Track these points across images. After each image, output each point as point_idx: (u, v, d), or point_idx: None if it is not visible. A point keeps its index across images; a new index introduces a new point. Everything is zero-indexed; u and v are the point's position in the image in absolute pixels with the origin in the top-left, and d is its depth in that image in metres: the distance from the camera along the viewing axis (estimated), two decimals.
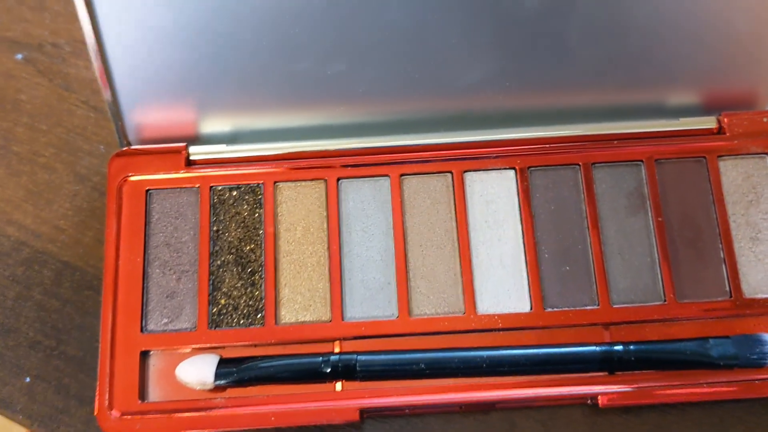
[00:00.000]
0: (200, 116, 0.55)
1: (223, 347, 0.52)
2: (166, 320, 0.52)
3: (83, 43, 0.50)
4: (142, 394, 0.51)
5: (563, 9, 0.51)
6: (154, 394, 0.51)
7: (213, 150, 0.55)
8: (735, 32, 0.53)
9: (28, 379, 0.53)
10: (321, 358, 0.50)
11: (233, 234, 0.53)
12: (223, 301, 0.52)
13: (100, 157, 0.59)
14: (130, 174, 0.54)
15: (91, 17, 0.50)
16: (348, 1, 0.50)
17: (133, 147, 0.55)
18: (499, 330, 0.51)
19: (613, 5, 0.51)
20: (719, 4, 0.52)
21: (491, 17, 0.52)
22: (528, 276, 0.52)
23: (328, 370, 0.49)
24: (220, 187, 0.54)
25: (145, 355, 0.51)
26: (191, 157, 0.55)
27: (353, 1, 0.50)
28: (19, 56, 0.62)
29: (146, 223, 0.54)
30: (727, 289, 0.52)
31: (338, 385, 0.50)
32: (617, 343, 0.50)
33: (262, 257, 0.53)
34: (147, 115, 0.55)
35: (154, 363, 0.52)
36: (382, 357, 0.50)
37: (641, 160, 0.55)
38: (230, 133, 0.56)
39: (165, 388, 0.51)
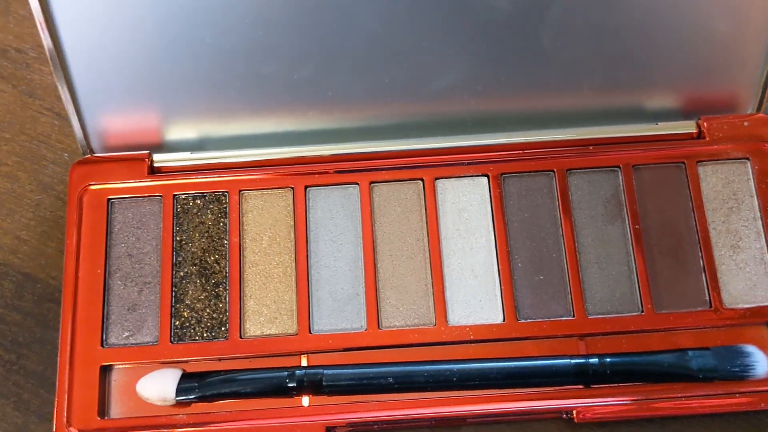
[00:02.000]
0: (165, 123, 0.54)
1: (187, 361, 0.50)
2: (127, 333, 0.50)
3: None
4: (103, 410, 0.49)
5: (537, 11, 0.50)
6: (116, 410, 0.50)
7: (177, 158, 0.54)
8: (714, 34, 0.52)
9: None
10: (286, 373, 0.48)
11: (197, 244, 0.52)
12: (186, 314, 0.50)
13: (64, 165, 0.57)
14: (91, 182, 0.53)
15: (48, 23, 0.48)
16: (316, 4, 0.49)
17: (95, 155, 0.54)
18: (471, 342, 0.50)
19: (589, 7, 0.50)
20: (698, 6, 0.50)
21: (463, 20, 0.50)
22: (501, 286, 0.51)
23: (294, 385, 0.48)
24: (183, 196, 0.53)
25: (106, 369, 0.50)
26: (155, 165, 0.54)
27: (321, 5, 0.49)
28: None
29: (108, 234, 0.52)
30: (707, 298, 0.51)
31: (305, 400, 0.49)
32: (593, 356, 0.49)
33: (227, 268, 0.51)
34: (110, 122, 0.53)
35: (116, 378, 0.50)
36: (349, 371, 0.49)
37: (618, 166, 0.53)
38: (196, 140, 0.54)
39: (127, 404, 0.50)
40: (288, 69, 0.52)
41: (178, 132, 0.54)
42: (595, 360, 0.48)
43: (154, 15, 0.49)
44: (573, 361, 0.48)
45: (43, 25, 0.48)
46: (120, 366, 0.50)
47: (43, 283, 0.54)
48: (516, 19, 0.50)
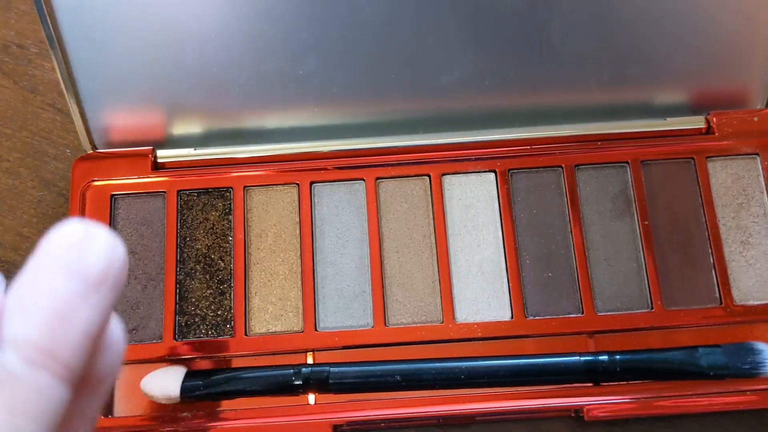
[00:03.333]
0: (169, 118, 0.53)
1: (191, 359, 0.49)
2: (131, 331, 0.50)
3: None
4: (107, 408, 0.48)
5: (545, 6, 0.49)
6: (121, 408, 0.49)
7: (181, 153, 0.53)
8: (724, 29, 0.51)
9: None
10: (292, 370, 0.48)
11: (201, 241, 0.51)
12: (190, 312, 0.50)
13: (67, 161, 0.56)
14: (94, 179, 0.52)
15: (51, 18, 0.48)
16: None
17: (98, 150, 0.53)
18: (478, 339, 0.49)
19: (597, 2, 0.50)
20: (707, 0, 0.50)
21: (470, 14, 0.50)
22: (509, 283, 0.50)
23: (300, 383, 0.47)
24: (188, 192, 0.52)
25: None
26: (159, 161, 0.53)
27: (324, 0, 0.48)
28: None
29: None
30: (717, 295, 0.50)
31: (311, 398, 0.48)
32: (602, 353, 0.48)
33: (232, 265, 0.51)
34: (113, 117, 0.53)
35: (120, 376, 0.49)
36: (356, 368, 0.48)
37: (627, 162, 0.53)
38: (201, 135, 0.54)
39: (132, 402, 0.49)
40: (292, 64, 0.51)
41: (182, 127, 0.53)
42: (604, 357, 0.48)
43: (158, 9, 0.49)
44: (582, 358, 0.48)
45: (45, 20, 0.48)
46: (124, 364, 0.49)
47: None
48: (524, 14, 0.50)
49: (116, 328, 0.26)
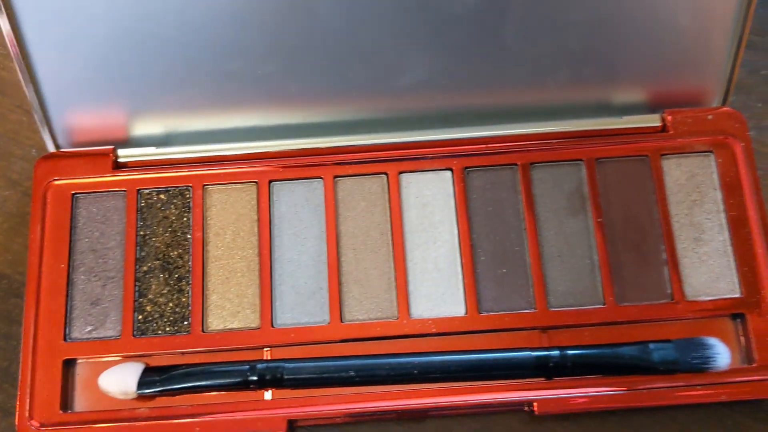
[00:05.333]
0: (130, 118, 0.54)
1: (150, 355, 0.50)
2: (90, 328, 0.50)
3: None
4: (66, 404, 0.49)
5: (500, 7, 0.50)
6: (80, 404, 0.50)
7: (142, 153, 0.54)
8: (678, 29, 0.52)
9: None
10: (248, 366, 0.48)
11: (161, 239, 0.52)
12: (149, 308, 0.50)
13: (33, 161, 0.57)
14: (55, 177, 0.53)
15: (10, 19, 0.49)
16: (279, 1, 0.49)
17: (60, 150, 0.54)
18: (433, 335, 0.50)
19: (551, 3, 0.50)
20: (661, 1, 0.50)
21: (426, 16, 0.50)
22: (463, 279, 0.51)
23: (255, 378, 0.48)
24: (147, 191, 0.53)
25: (69, 363, 0.50)
26: (120, 160, 0.54)
27: (284, 1, 0.49)
28: None
29: (72, 228, 0.52)
30: (669, 291, 0.51)
31: (268, 394, 0.49)
32: (554, 348, 0.49)
33: (190, 263, 0.51)
34: (76, 118, 0.53)
35: (80, 372, 0.50)
36: (310, 364, 0.49)
37: (581, 160, 0.53)
38: (162, 135, 0.54)
39: (90, 398, 0.50)
40: (252, 65, 0.52)
41: (144, 127, 0.54)
42: (556, 352, 0.48)
43: (119, 11, 0.49)
44: (534, 353, 0.48)
45: (6, 22, 0.49)
46: (83, 360, 0.50)
47: (9, 278, 0.54)
48: (478, 15, 0.50)
49: None
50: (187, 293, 0.51)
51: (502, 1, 0.50)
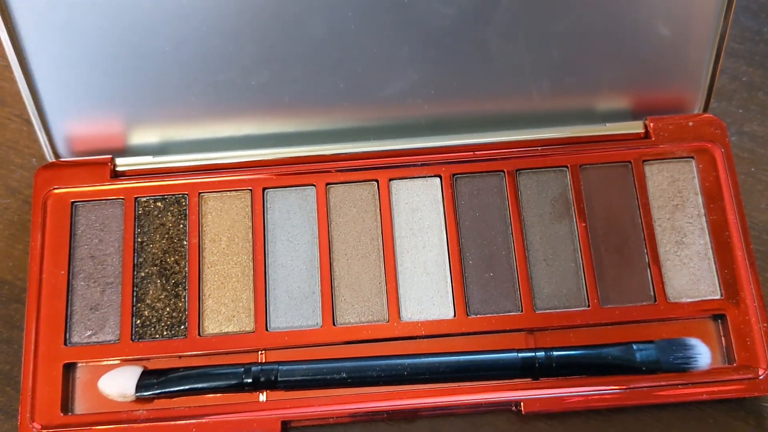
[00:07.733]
0: (128, 128, 0.55)
1: (148, 359, 0.51)
2: (89, 332, 0.52)
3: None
4: (66, 406, 0.51)
5: (483, 17, 0.51)
6: (80, 406, 0.51)
7: (139, 161, 0.55)
8: (659, 38, 0.53)
9: None
10: (242, 369, 0.50)
11: (157, 245, 0.53)
12: (146, 313, 0.52)
13: (32, 170, 0.59)
14: (55, 186, 0.54)
15: (10, 31, 0.50)
16: (269, 14, 0.51)
17: (60, 159, 0.55)
18: (423, 337, 0.51)
19: (534, 14, 0.52)
20: (642, 10, 0.52)
21: (412, 26, 0.52)
22: (452, 283, 0.52)
23: (250, 381, 0.49)
24: (144, 199, 0.54)
25: (70, 367, 0.51)
26: (118, 169, 0.55)
27: (274, 14, 0.51)
28: None
29: (71, 236, 0.54)
30: (652, 293, 0.52)
31: (262, 396, 0.50)
32: (539, 349, 0.50)
33: (186, 268, 0.53)
34: (75, 127, 0.55)
35: (80, 375, 0.52)
36: (303, 366, 0.50)
37: (566, 166, 0.55)
38: (159, 144, 0.56)
39: (90, 400, 0.51)
40: (244, 76, 0.53)
41: (141, 137, 0.55)
42: (541, 353, 0.50)
43: (116, 24, 0.51)
44: (520, 354, 0.50)
45: (5, 33, 0.50)
46: (83, 364, 0.52)
47: (10, 284, 0.56)
48: (463, 25, 0.52)
49: None
50: (184, 298, 0.52)
51: (486, 12, 0.51)
